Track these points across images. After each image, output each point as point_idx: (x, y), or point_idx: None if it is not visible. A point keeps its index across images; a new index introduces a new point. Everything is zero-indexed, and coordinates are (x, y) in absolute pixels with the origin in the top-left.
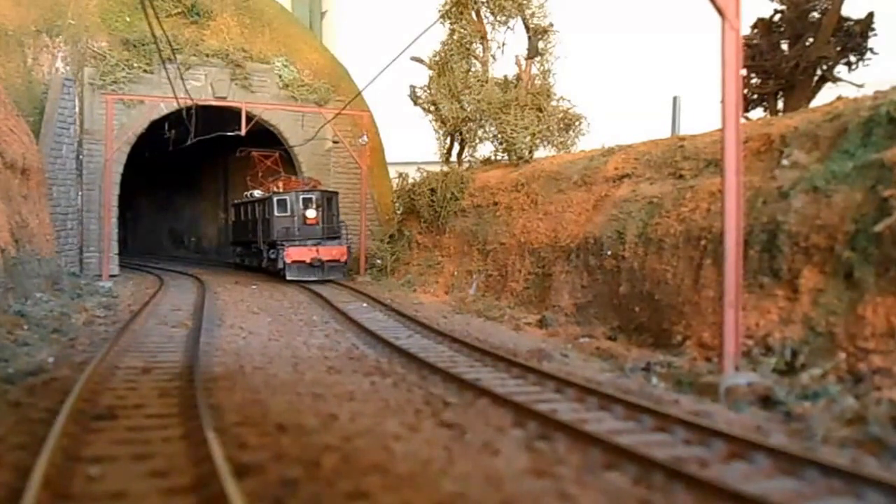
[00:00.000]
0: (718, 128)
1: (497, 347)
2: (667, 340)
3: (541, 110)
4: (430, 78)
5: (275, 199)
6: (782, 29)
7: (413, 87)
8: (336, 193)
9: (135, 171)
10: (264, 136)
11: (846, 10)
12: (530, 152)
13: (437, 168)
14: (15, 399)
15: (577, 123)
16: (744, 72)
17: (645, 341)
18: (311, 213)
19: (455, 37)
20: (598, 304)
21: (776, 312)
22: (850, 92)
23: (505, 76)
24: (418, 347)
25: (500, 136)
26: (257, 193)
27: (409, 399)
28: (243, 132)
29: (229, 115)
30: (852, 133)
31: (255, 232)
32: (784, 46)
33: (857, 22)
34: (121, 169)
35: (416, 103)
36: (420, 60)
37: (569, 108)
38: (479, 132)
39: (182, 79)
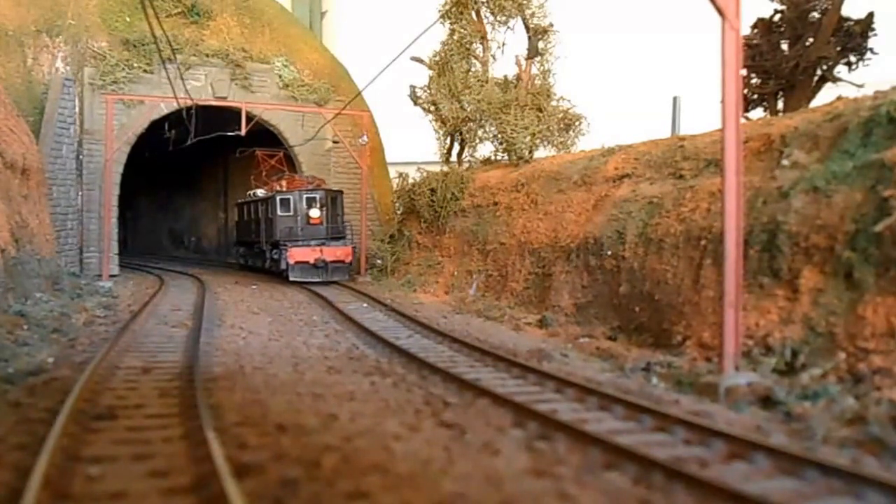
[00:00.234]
0: (718, 128)
1: (497, 347)
2: (667, 340)
3: (541, 110)
4: (430, 78)
5: (278, 198)
6: (782, 29)
7: (413, 87)
8: (340, 192)
9: (135, 171)
10: (264, 136)
11: (846, 10)
12: (530, 152)
13: (437, 168)
14: (15, 399)
15: (577, 123)
16: (744, 72)
17: (645, 341)
18: (314, 213)
19: (455, 37)
20: (598, 304)
21: (776, 312)
22: (850, 92)
23: (505, 76)
24: (418, 347)
25: (500, 136)
26: (260, 193)
27: (409, 399)
28: (243, 132)
29: (229, 115)
30: (852, 133)
31: (258, 232)
32: (784, 46)
33: (857, 22)
34: (121, 169)
35: (416, 103)
36: (420, 60)
37: (569, 108)
38: (479, 132)
39: (182, 79)
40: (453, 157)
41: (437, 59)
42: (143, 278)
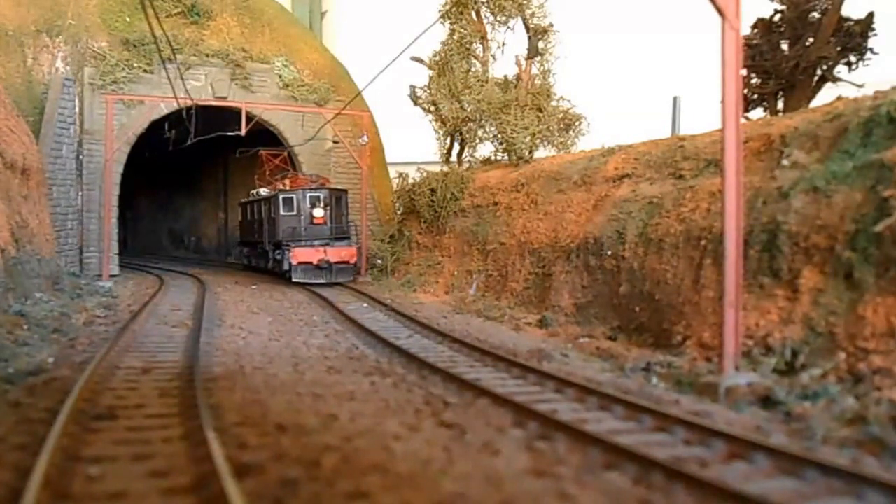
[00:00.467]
0: (718, 128)
1: (497, 347)
2: (667, 340)
3: (541, 110)
4: (430, 78)
5: (280, 197)
6: (782, 29)
7: (413, 87)
8: (345, 191)
9: (135, 171)
10: (264, 136)
11: (846, 10)
12: (530, 152)
13: (437, 168)
14: (15, 399)
15: (577, 123)
16: (744, 72)
17: (645, 341)
18: (318, 213)
19: (455, 37)
20: (598, 304)
21: (776, 312)
22: (850, 92)
23: (505, 76)
24: (418, 347)
25: (500, 136)
26: (263, 192)
27: (409, 399)
28: (243, 132)
29: (229, 115)
30: (852, 133)
31: (261, 232)
32: (784, 46)
33: (857, 22)
34: (121, 169)
35: (416, 103)
36: (420, 60)
37: (569, 108)
38: (479, 132)
39: (182, 79)
40: (453, 157)
41: (437, 59)
42: (143, 278)
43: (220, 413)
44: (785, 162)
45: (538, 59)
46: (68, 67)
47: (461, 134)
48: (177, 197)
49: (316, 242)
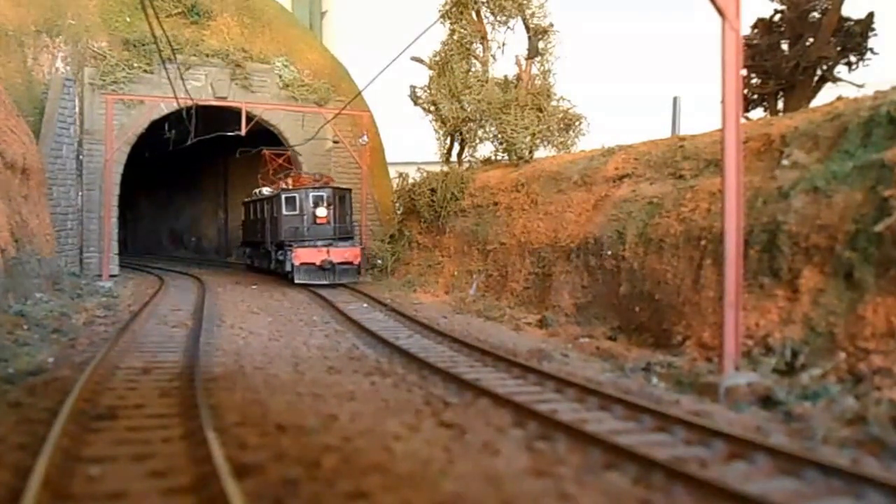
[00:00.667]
0: (718, 128)
1: (497, 347)
2: (667, 340)
3: (541, 110)
4: (430, 78)
5: (283, 196)
6: (782, 29)
7: (413, 87)
8: (349, 191)
9: (135, 171)
10: (264, 136)
11: (846, 10)
12: (530, 152)
13: (437, 168)
14: (15, 399)
15: (577, 123)
16: (744, 72)
17: (645, 341)
18: (321, 212)
19: (455, 37)
20: (598, 304)
21: (776, 312)
22: (850, 92)
23: (505, 76)
24: (418, 347)
25: (500, 136)
26: (266, 191)
27: (410, 399)
28: (243, 132)
29: (229, 115)
30: (852, 133)
31: (264, 232)
32: (784, 46)
33: (857, 22)
34: (121, 169)
35: (416, 103)
36: (420, 60)
37: (569, 108)
38: (479, 132)
39: (182, 79)
40: (453, 157)
41: (437, 59)
42: (143, 278)
43: (220, 413)
44: (785, 162)
45: (538, 59)
46: (68, 67)
47: (461, 134)
48: (177, 197)
49: (319, 243)
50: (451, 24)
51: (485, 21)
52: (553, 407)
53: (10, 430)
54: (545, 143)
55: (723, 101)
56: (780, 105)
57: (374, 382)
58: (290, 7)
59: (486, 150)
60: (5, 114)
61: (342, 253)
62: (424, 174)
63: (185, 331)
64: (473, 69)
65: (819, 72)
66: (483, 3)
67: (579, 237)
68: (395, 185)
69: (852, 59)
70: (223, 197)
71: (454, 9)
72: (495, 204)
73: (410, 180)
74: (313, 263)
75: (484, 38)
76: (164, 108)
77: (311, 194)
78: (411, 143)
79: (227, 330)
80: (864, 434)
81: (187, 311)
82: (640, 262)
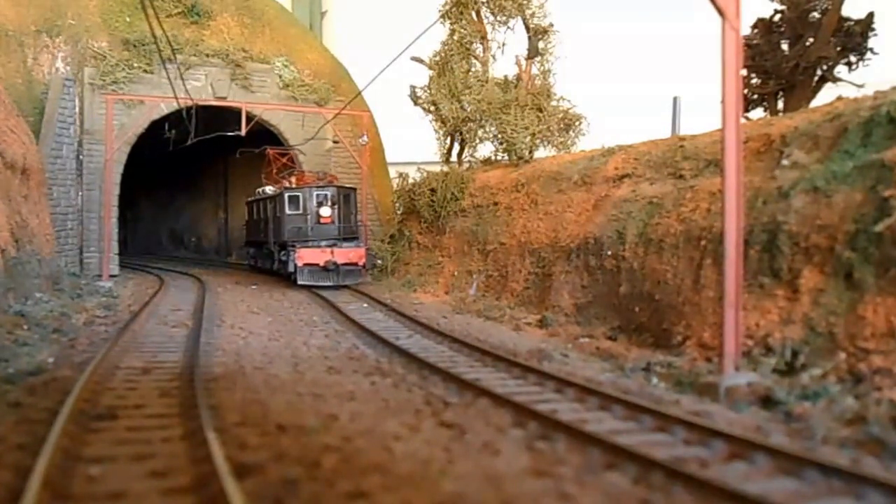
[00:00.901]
0: (718, 128)
1: (497, 347)
2: (667, 340)
3: (541, 110)
4: (430, 78)
5: (286, 195)
6: (782, 29)
7: (413, 87)
8: (354, 189)
9: (135, 171)
10: (264, 136)
11: (846, 10)
12: (530, 152)
13: (437, 168)
14: (15, 399)
15: (577, 123)
16: (744, 72)
17: (645, 341)
18: (325, 212)
19: (455, 37)
20: (598, 304)
21: (776, 312)
22: (850, 92)
23: (505, 76)
24: (418, 348)
25: (500, 136)
26: (269, 190)
27: (410, 399)
28: (243, 132)
29: (229, 115)
30: (852, 133)
31: (267, 232)
32: (784, 46)
33: (857, 22)
34: (121, 169)
35: (416, 103)
36: (420, 60)
37: (569, 108)
38: (480, 132)
39: (182, 79)
40: (453, 157)
41: (437, 59)
42: (143, 278)
43: (221, 413)
44: (785, 162)
45: (538, 59)
46: (68, 67)
47: (461, 134)
48: (177, 197)
49: (323, 243)
50: (451, 24)
51: (485, 21)
52: (553, 407)
53: (10, 430)
54: (545, 143)
55: (723, 101)
56: (780, 105)
57: (374, 382)
58: (290, 7)
59: (486, 150)
60: (5, 114)
61: (346, 254)
62: (424, 174)
63: (186, 331)
64: (473, 69)
65: (819, 72)
66: (483, 3)
67: (579, 237)
68: (395, 185)
69: (852, 59)
70: (223, 197)
71: (454, 9)
72: (495, 204)
73: (410, 180)
74: (317, 264)
75: (484, 38)
76: (164, 108)
77: (314, 193)
78: (411, 143)
79: (228, 330)
80: (864, 434)
81: (187, 311)
82: (640, 262)
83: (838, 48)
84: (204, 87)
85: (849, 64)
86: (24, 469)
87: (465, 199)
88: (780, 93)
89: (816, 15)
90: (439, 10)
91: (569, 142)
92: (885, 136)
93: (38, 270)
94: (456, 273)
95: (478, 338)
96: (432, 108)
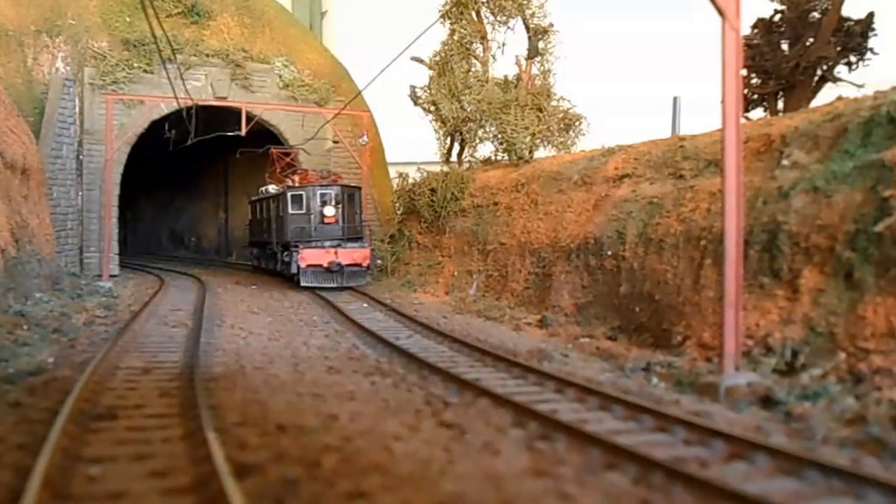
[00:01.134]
0: (718, 128)
1: (497, 347)
2: (667, 340)
3: (541, 110)
4: (431, 78)
5: (289, 194)
6: (782, 29)
7: (413, 87)
8: (358, 188)
9: (135, 171)
10: (264, 136)
11: (846, 10)
12: (530, 152)
13: (437, 168)
14: (15, 399)
15: (577, 123)
16: (744, 72)
17: (645, 341)
18: (329, 211)
19: (455, 37)
20: (598, 304)
21: (776, 312)
22: (850, 92)
23: (505, 76)
24: (418, 348)
25: (500, 136)
26: (272, 189)
27: (410, 399)
28: (243, 132)
29: (229, 116)
30: (852, 133)
31: (269, 232)
32: (784, 47)
33: (858, 22)
34: (121, 169)
35: (416, 103)
36: (420, 60)
37: (569, 109)
38: (480, 132)
39: (182, 79)
40: (453, 157)
41: (437, 59)
42: (143, 278)
43: (221, 413)
44: (785, 162)
45: (538, 59)
46: (68, 67)
47: (461, 134)
48: (177, 197)
49: (327, 243)
50: (451, 24)
51: (485, 21)
52: (553, 407)
53: (10, 430)
54: (545, 143)
55: (723, 101)
56: (780, 105)
57: (374, 382)
58: (290, 7)
59: (486, 150)
60: (5, 114)
61: (351, 254)
62: (424, 174)
63: (186, 331)
64: (473, 69)
65: (819, 72)
66: (483, 3)
67: (579, 237)
68: (395, 185)
69: (852, 59)
70: (223, 197)
71: (454, 9)
72: (495, 204)
73: (410, 180)
74: (320, 265)
75: (484, 38)
76: (164, 108)
77: (318, 192)
78: (411, 143)
79: (228, 330)
80: (864, 434)
81: (187, 311)
82: (640, 262)
83: (838, 48)
84: (204, 87)
85: (849, 64)
86: (24, 469)
87: (465, 199)
88: (780, 93)
89: (816, 15)
90: (439, 10)
91: (569, 142)
92: (885, 136)
93: (38, 270)
94: (456, 273)
95: (478, 338)
96: (432, 108)
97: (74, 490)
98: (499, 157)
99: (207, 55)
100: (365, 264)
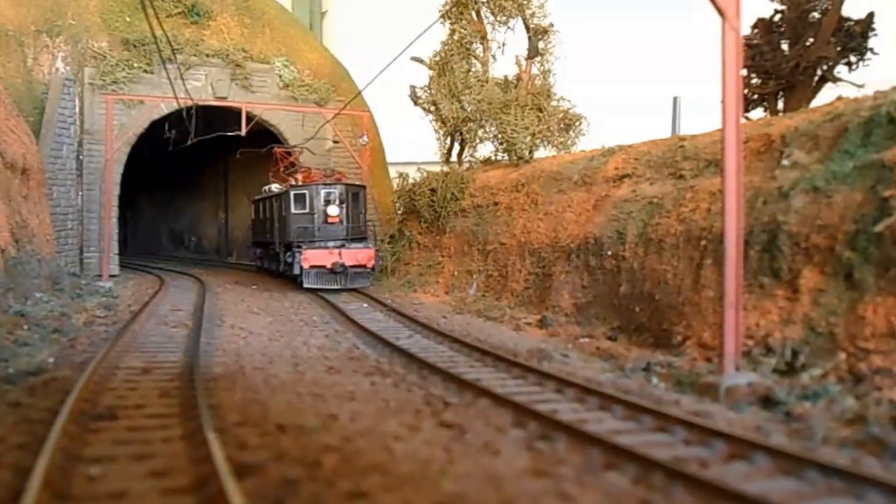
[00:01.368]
0: (718, 128)
1: (497, 347)
2: (667, 340)
3: (541, 110)
4: (431, 78)
5: (292, 193)
6: (782, 29)
7: (413, 87)
8: (363, 187)
9: (135, 171)
10: (264, 136)
11: (846, 11)
12: (530, 152)
13: (437, 168)
14: (15, 399)
15: (577, 123)
16: (744, 72)
17: (645, 341)
18: (333, 211)
19: (455, 37)
20: (598, 304)
21: (776, 312)
22: (850, 92)
23: (505, 76)
24: (418, 348)
25: (500, 136)
26: (275, 188)
27: (410, 399)
28: (243, 132)
29: (229, 116)
30: (852, 133)
31: (272, 232)
32: (784, 46)
33: (858, 22)
34: (121, 169)
35: (416, 103)
36: (420, 60)
37: (569, 109)
38: (480, 132)
39: (182, 79)
40: (453, 157)
41: (437, 59)
42: (143, 278)
43: (221, 413)
44: (785, 162)
45: (538, 59)
46: (68, 67)
47: (461, 134)
48: (177, 197)
49: (330, 244)
50: (451, 24)
51: (485, 21)
52: (553, 407)
53: (10, 430)
54: (545, 143)
55: (723, 101)
56: (780, 105)
57: (374, 382)
58: (290, 7)
59: (486, 150)
60: (5, 114)
61: (355, 255)
62: (424, 174)
63: (186, 331)
64: (473, 69)
65: (819, 72)
66: (483, 3)
67: (579, 237)
68: (395, 185)
69: (852, 59)
70: (223, 197)
71: (454, 9)
72: (495, 204)
73: (410, 180)
74: (323, 266)
75: (484, 38)
76: (164, 108)
77: (322, 191)
78: (411, 143)
79: (228, 330)
80: (864, 434)
81: (187, 312)
82: (640, 263)
83: (838, 48)
84: (204, 87)
85: (849, 64)
86: (25, 469)
87: (465, 199)
88: (780, 93)
89: (816, 15)
90: (439, 10)
91: (569, 142)
92: (885, 136)
93: (38, 270)
94: (456, 273)
95: (478, 338)
96: (432, 108)
97: (74, 490)
98: (499, 157)
99: (207, 55)
100: (370, 265)
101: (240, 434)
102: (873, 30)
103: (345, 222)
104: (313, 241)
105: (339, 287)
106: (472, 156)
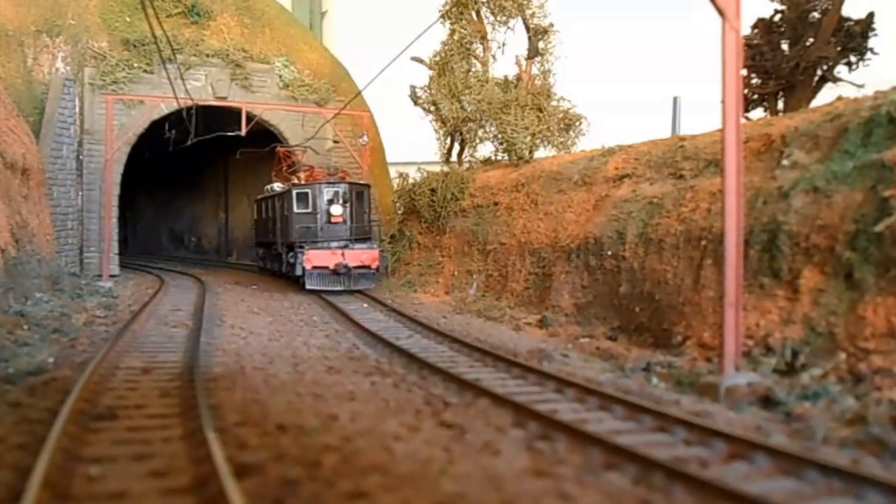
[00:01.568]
0: (718, 128)
1: (497, 348)
2: (667, 340)
3: (541, 110)
4: (431, 78)
5: (294, 192)
6: (782, 29)
7: (413, 87)
8: (367, 186)
9: (135, 171)
10: (264, 136)
11: (846, 11)
12: (530, 152)
13: (437, 168)
14: (15, 399)
15: (577, 123)
16: (744, 72)
17: (645, 341)
18: (336, 210)
19: (455, 37)
20: (598, 304)
21: (776, 312)
22: (850, 92)
23: (505, 76)
24: (418, 348)
25: (500, 136)
26: (278, 187)
27: (410, 399)
28: (243, 132)
29: (229, 116)
30: (852, 133)
31: (274, 232)
32: (784, 46)
33: (858, 22)
34: (121, 169)
35: (416, 103)
36: (420, 60)
37: (569, 109)
38: (480, 132)
39: (182, 79)
40: (453, 157)
41: (437, 59)
42: (143, 278)
43: (221, 413)
44: (785, 162)
45: (538, 59)
46: (68, 67)
47: (461, 134)
48: (177, 197)
49: (333, 244)
50: (451, 24)
51: (485, 21)
52: (553, 407)
53: (10, 430)
54: (545, 143)
55: (723, 101)
56: (780, 105)
57: (374, 382)
58: (290, 7)
59: (486, 150)
60: (5, 114)
61: (359, 256)
62: (424, 174)
63: (186, 331)
64: (473, 69)
65: (819, 72)
66: (483, 3)
67: (579, 237)
68: (395, 185)
69: (852, 59)
70: (223, 197)
71: (454, 9)
72: (495, 204)
73: (410, 180)
74: (326, 267)
75: (484, 38)
76: (164, 108)
77: (325, 190)
78: (411, 143)
79: (228, 330)
80: (864, 434)
81: (187, 312)
82: (640, 263)
83: (838, 48)
84: (204, 87)
85: (849, 64)
86: (25, 469)
87: (465, 199)
88: (780, 93)
89: (816, 15)
90: (439, 10)
91: (569, 142)
92: (885, 136)
93: (38, 270)
94: (456, 273)
95: (478, 338)
96: (432, 108)
97: (74, 490)
98: (499, 157)
99: (207, 55)
100: (374, 266)
101: (240, 434)
102: (873, 30)
103: (348, 222)
104: (316, 242)
105: (342, 289)
106: (472, 156)
